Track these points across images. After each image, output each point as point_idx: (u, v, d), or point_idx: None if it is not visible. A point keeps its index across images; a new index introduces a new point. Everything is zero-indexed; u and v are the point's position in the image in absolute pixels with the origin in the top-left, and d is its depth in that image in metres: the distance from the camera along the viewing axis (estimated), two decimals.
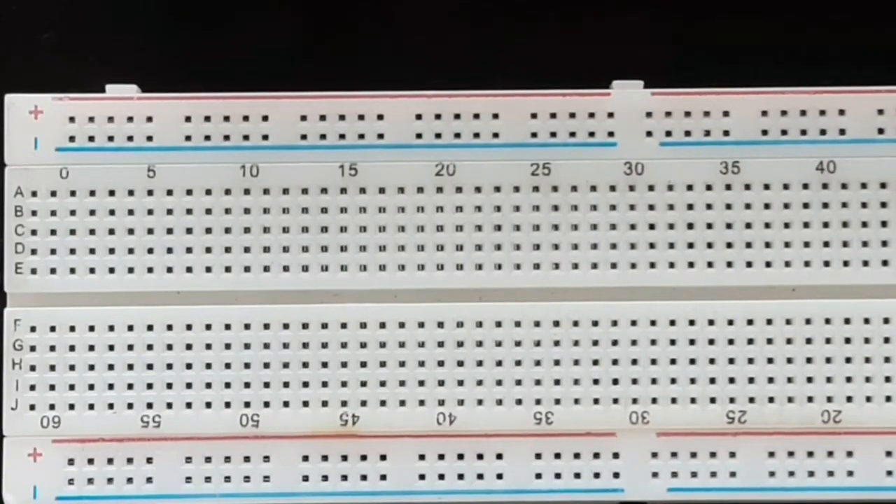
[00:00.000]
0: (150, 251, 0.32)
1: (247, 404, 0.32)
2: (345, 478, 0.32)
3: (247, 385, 0.32)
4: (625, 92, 0.32)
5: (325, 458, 0.32)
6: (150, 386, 0.32)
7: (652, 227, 0.32)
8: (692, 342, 0.32)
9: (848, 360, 0.32)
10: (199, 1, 0.35)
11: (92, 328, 0.32)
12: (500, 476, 0.32)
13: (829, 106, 0.32)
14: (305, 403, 0.32)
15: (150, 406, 0.32)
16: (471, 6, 0.35)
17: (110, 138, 0.32)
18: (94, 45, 0.35)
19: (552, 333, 0.32)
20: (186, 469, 0.32)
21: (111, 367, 0.32)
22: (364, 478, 0.32)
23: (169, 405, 0.32)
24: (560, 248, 0.32)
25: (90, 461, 0.32)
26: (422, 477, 0.32)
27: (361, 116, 0.32)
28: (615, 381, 0.32)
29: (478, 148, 0.32)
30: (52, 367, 0.32)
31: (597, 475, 0.32)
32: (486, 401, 0.32)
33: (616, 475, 0.32)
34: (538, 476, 0.32)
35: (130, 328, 0.32)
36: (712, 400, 0.32)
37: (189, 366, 0.32)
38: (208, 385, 0.32)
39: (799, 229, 0.32)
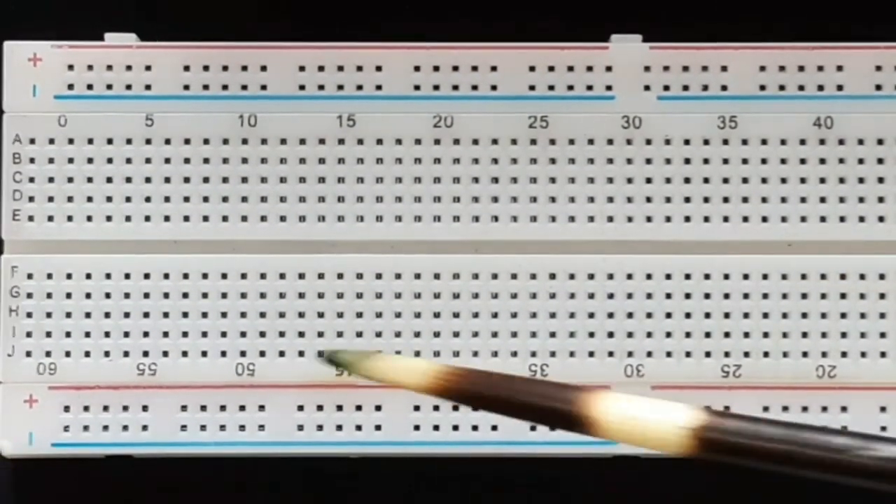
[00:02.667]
0: (148, 200, 0.32)
1: (243, 353, 0.32)
2: (339, 427, 0.32)
3: (243, 334, 0.32)
4: (623, 45, 0.32)
5: (320, 407, 0.32)
6: (146, 334, 0.32)
7: (649, 180, 0.32)
8: (688, 296, 0.32)
9: (843, 315, 0.32)
10: None
11: (89, 276, 0.32)
12: (494, 428, 0.32)
13: (828, 62, 0.32)
14: (301, 353, 0.32)
15: (146, 354, 0.32)
16: None
17: (109, 86, 0.32)
18: None
19: (548, 286, 0.32)
20: (182, 417, 0.32)
21: (108, 314, 0.32)
22: (359, 428, 0.32)
23: (165, 353, 0.32)
24: (557, 200, 0.32)
25: (86, 408, 0.32)
26: (416, 427, 0.32)
27: (360, 67, 0.32)
28: (610, 335, 0.32)
29: (476, 100, 0.32)
30: (49, 314, 0.32)
31: None
32: (482, 352, 0.32)
33: None
34: (533, 428, 0.32)
35: (127, 276, 0.32)
36: (707, 354, 0.32)
37: (185, 314, 0.32)
38: (204, 334, 0.32)
39: (796, 184, 0.32)
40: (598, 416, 0.18)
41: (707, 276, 0.32)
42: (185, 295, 0.32)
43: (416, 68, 0.32)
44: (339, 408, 0.32)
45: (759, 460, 0.18)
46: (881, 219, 0.32)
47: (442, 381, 0.20)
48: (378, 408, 0.32)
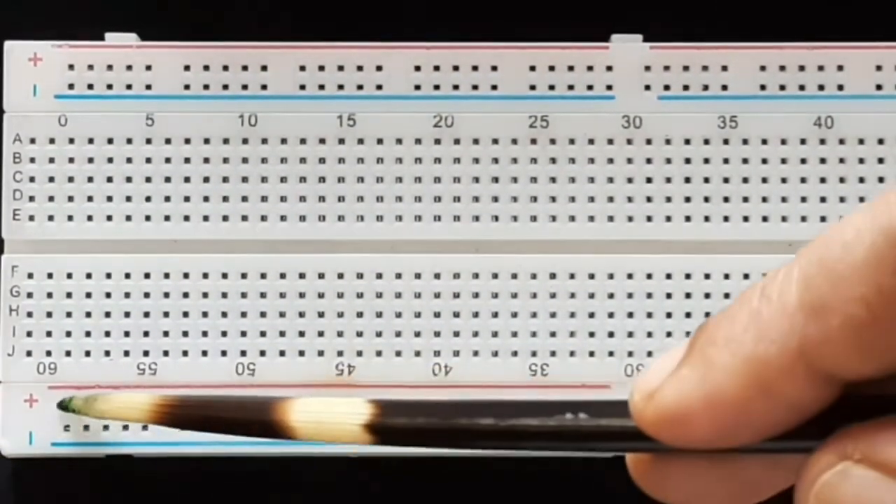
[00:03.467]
0: (148, 199, 0.32)
1: (243, 353, 0.32)
2: None
3: (243, 334, 0.32)
4: (623, 45, 0.32)
5: None
6: (146, 334, 0.32)
7: (649, 180, 0.32)
8: (688, 296, 0.32)
9: None
10: None
11: (89, 275, 0.32)
12: None
13: (828, 61, 0.32)
14: (301, 353, 0.32)
15: (146, 354, 0.32)
16: None
17: (109, 86, 0.32)
18: None
19: (548, 286, 0.32)
20: None
21: (108, 314, 0.32)
22: None
23: (165, 353, 0.32)
24: (557, 200, 0.32)
25: None
26: None
27: (360, 67, 0.32)
28: (610, 334, 0.32)
29: (476, 100, 0.32)
30: (49, 314, 0.32)
31: None
32: (482, 352, 0.32)
33: None
34: None
35: (127, 276, 0.32)
36: None
37: (185, 314, 0.32)
38: (204, 333, 0.32)
39: (796, 184, 0.32)
40: (292, 422, 0.20)
41: (707, 276, 0.32)
42: (186, 294, 0.32)
43: (417, 68, 0.32)
44: None
45: (426, 440, 0.19)
46: None
47: (157, 412, 0.21)
48: None
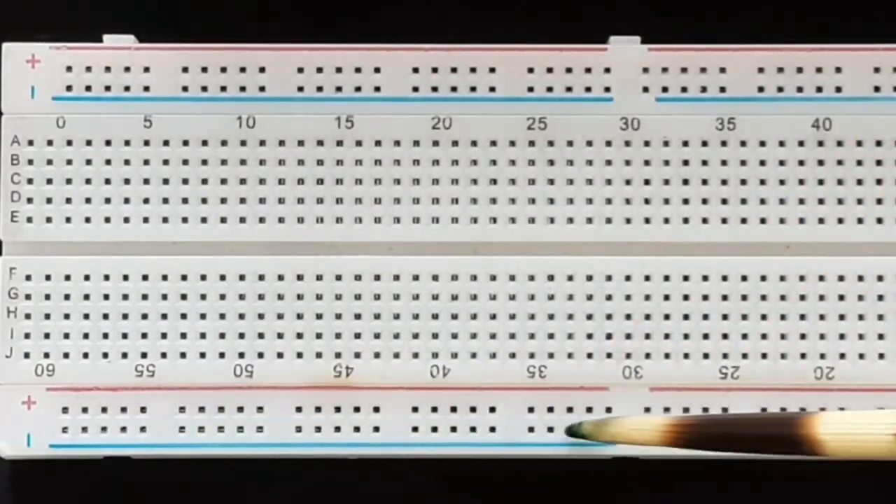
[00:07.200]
0: (146, 201, 0.32)
1: (241, 355, 0.32)
2: (338, 429, 0.32)
3: (241, 336, 0.32)
4: (622, 47, 0.32)
5: (318, 409, 0.32)
6: (144, 335, 0.32)
7: (647, 182, 0.32)
8: (686, 298, 0.32)
9: (841, 317, 0.32)
10: None
11: (87, 277, 0.32)
12: (492, 429, 0.32)
13: (826, 63, 0.32)
14: (300, 355, 0.32)
15: (144, 356, 0.32)
16: None
17: (107, 88, 0.32)
18: None
19: (546, 287, 0.32)
20: (180, 419, 0.32)
21: (106, 316, 0.32)
22: (357, 429, 0.32)
23: (163, 355, 0.32)
24: (555, 202, 0.32)
25: (84, 410, 0.32)
26: (415, 429, 0.32)
27: (358, 69, 0.32)
28: (609, 336, 0.32)
29: (474, 102, 0.32)
30: (47, 316, 0.32)
31: None
32: (480, 354, 0.32)
33: None
34: (531, 429, 0.32)
35: (125, 278, 0.32)
36: (705, 356, 0.32)
37: (184, 316, 0.32)
38: (203, 335, 0.32)
39: (794, 186, 0.32)
40: (820, 435, 0.19)
41: (705, 278, 0.32)
42: (184, 296, 0.32)
43: (415, 70, 0.32)
44: (338, 409, 0.32)
45: None
46: (879, 220, 0.32)
47: (672, 433, 0.20)
48: (376, 409, 0.32)
